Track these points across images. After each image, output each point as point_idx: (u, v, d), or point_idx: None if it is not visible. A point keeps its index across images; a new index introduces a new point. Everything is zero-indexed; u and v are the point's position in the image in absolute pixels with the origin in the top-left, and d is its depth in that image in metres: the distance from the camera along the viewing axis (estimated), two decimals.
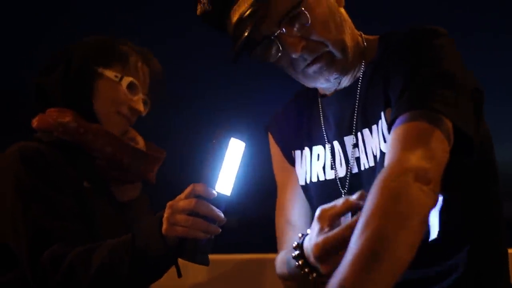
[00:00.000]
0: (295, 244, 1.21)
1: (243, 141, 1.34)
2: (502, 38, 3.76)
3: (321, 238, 1.08)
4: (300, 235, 1.22)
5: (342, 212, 1.10)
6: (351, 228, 1.02)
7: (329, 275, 1.02)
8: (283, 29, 1.26)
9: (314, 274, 1.17)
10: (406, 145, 1.10)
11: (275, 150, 1.53)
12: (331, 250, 1.07)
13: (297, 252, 1.19)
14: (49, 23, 3.50)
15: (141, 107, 1.69)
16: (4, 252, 1.51)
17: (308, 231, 1.19)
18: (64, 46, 1.69)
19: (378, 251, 0.93)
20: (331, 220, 1.10)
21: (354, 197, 1.09)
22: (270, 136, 1.55)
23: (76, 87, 1.63)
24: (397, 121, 1.16)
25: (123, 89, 1.65)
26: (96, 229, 1.52)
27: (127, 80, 1.65)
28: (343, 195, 1.36)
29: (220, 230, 1.33)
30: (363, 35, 1.40)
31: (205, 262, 1.34)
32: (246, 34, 1.24)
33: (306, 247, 1.17)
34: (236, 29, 1.28)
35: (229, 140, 1.32)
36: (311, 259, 1.14)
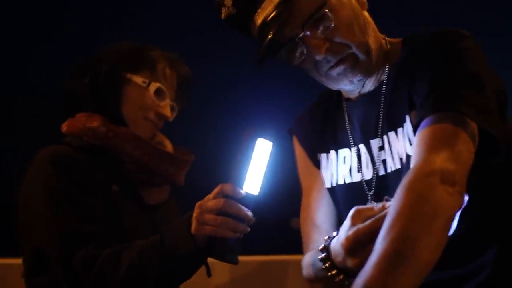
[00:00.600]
0: (321, 246, 1.21)
1: (271, 141, 1.35)
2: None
3: (352, 230, 1.09)
4: (326, 237, 1.22)
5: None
6: (382, 220, 1.02)
7: (356, 269, 1.05)
8: (307, 31, 1.26)
9: (341, 276, 1.17)
10: (431, 147, 1.10)
11: (300, 153, 1.52)
12: (361, 243, 1.08)
13: (323, 254, 1.20)
14: (49, 24, 3.50)
15: (168, 112, 1.69)
16: (36, 255, 1.53)
17: (334, 233, 1.20)
18: (94, 52, 1.71)
19: (402, 252, 0.94)
20: (366, 218, 1.10)
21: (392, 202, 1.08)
22: (294, 139, 1.54)
23: (104, 92, 1.65)
24: (423, 123, 1.16)
25: (151, 95, 1.65)
26: (125, 232, 1.53)
27: (154, 86, 1.66)
28: (369, 198, 1.36)
29: (249, 229, 1.34)
30: (386, 38, 1.40)
31: (234, 261, 1.34)
32: (270, 36, 1.24)
33: (333, 248, 1.17)
34: (261, 32, 1.28)
35: (256, 140, 1.34)
36: (338, 259, 1.15)
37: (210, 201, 1.34)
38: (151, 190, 1.70)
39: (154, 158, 1.64)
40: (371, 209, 1.12)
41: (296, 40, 1.28)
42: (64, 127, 1.66)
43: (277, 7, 1.25)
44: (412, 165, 1.12)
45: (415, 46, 1.33)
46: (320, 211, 1.44)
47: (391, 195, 1.23)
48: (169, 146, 1.76)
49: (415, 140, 1.16)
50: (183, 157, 1.73)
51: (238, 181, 1.33)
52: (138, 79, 1.65)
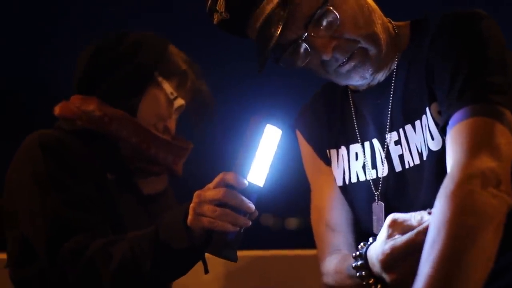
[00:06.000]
0: (357, 253, 1.12)
1: (280, 128, 1.20)
2: None
3: (389, 244, 0.99)
4: (362, 244, 1.13)
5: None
6: (422, 234, 0.95)
7: (394, 284, 0.99)
8: (311, 31, 1.14)
9: (379, 286, 1.08)
10: (466, 146, 0.99)
11: (306, 150, 1.38)
12: (399, 258, 0.98)
13: (359, 262, 1.10)
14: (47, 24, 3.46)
15: (173, 128, 1.62)
16: (21, 245, 1.41)
17: (371, 239, 1.11)
18: (130, 35, 1.58)
19: (449, 275, 0.85)
20: (404, 230, 1.01)
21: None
22: (299, 135, 1.40)
23: (131, 83, 1.54)
24: (451, 120, 1.04)
25: (172, 109, 1.58)
26: (119, 222, 1.42)
27: (179, 102, 1.60)
28: (376, 197, 1.25)
29: (250, 223, 1.19)
30: (392, 22, 1.27)
31: (233, 258, 1.19)
32: (272, 41, 1.11)
33: (370, 257, 1.08)
34: (260, 36, 1.15)
35: (265, 126, 1.18)
36: (376, 268, 1.06)
37: (209, 190, 1.19)
38: (149, 179, 1.58)
39: (151, 145, 1.52)
40: (408, 219, 1.02)
41: (300, 41, 1.15)
42: (57, 110, 1.53)
43: (275, 8, 1.13)
44: (448, 170, 1.00)
45: (427, 31, 1.18)
46: (334, 212, 1.32)
47: (410, 191, 1.16)
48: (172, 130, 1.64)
49: (447, 140, 1.04)
50: (182, 145, 1.62)
51: (241, 170, 1.18)
52: (167, 87, 1.57)
